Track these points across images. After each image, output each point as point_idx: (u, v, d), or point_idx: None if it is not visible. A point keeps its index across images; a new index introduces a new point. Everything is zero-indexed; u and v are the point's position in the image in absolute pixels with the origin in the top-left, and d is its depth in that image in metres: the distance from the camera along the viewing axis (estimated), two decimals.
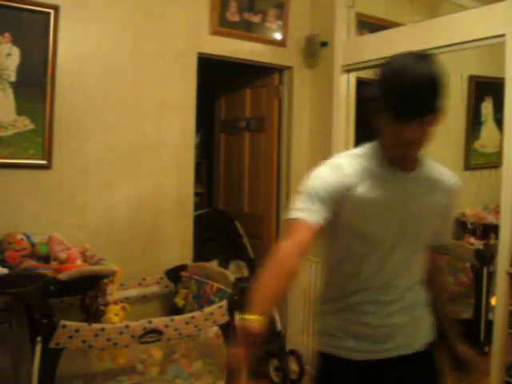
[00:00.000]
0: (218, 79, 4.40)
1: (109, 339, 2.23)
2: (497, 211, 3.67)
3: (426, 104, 1.32)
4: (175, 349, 2.94)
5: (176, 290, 3.11)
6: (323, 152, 3.69)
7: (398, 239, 1.49)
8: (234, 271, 3.55)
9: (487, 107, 4.83)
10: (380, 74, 1.38)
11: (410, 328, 1.56)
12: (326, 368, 1.59)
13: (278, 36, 3.67)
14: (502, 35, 2.62)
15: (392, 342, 1.52)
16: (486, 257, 3.77)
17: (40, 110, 2.75)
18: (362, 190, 1.45)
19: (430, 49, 3.01)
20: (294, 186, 3.82)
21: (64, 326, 2.14)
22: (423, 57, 1.38)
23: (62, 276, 2.24)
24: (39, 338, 2.12)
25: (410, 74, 1.30)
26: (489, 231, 4.15)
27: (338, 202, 1.44)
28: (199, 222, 3.48)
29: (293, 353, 3.39)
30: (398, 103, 1.31)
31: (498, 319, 2.63)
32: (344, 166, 1.48)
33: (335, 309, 1.58)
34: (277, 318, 3.31)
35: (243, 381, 1.30)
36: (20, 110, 2.70)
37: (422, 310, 1.64)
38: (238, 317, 1.96)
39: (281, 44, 3.69)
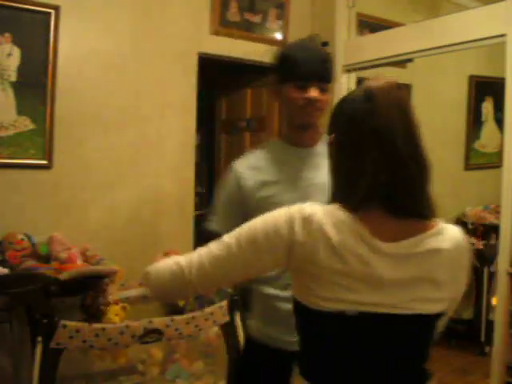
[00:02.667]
0: (218, 79, 4.40)
1: (109, 339, 2.23)
2: (497, 211, 3.67)
3: (322, 70, 1.52)
4: (175, 349, 2.94)
5: None
6: None
7: None
8: None
9: (487, 107, 4.83)
10: (279, 54, 1.62)
11: None
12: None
13: (278, 36, 3.67)
14: (503, 35, 2.62)
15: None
16: (487, 257, 3.78)
17: (40, 110, 2.75)
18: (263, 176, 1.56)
19: (431, 49, 3.02)
20: None
21: (64, 326, 2.14)
22: (312, 40, 1.71)
23: (63, 276, 2.24)
24: (40, 338, 2.12)
25: (307, 49, 1.56)
26: (489, 231, 4.15)
27: None
28: (200, 222, 3.48)
29: None
30: (298, 69, 1.51)
31: (499, 319, 2.64)
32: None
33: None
34: None
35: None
36: (20, 110, 2.70)
37: None
38: None
39: (281, 44, 3.68)
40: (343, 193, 1.05)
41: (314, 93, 1.50)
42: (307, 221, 0.99)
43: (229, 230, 1.10)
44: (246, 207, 1.54)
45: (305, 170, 1.56)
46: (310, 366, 1.07)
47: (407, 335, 1.03)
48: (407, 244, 1.00)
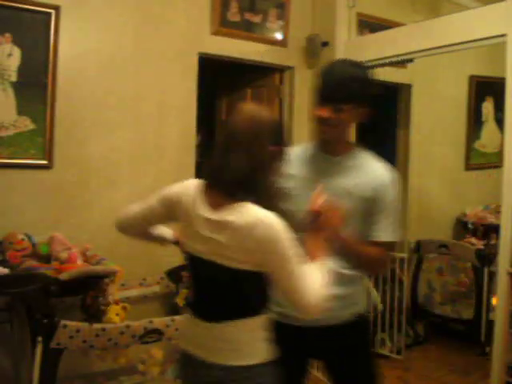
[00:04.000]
0: (218, 79, 4.40)
1: (109, 339, 2.24)
2: (497, 211, 3.67)
3: (336, 92, 1.63)
4: (176, 349, 2.94)
5: (177, 290, 3.11)
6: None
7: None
8: None
9: (488, 107, 4.83)
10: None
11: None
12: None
13: (278, 36, 3.68)
14: (503, 35, 2.62)
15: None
16: (487, 257, 3.78)
17: (41, 110, 2.75)
18: (290, 170, 1.72)
19: (431, 49, 3.02)
20: None
21: (65, 326, 2.15)
22: (353, 63, 1.72)
23: (63, 276, 2.24)
24: (40, 338, 2.13)
25: (333, 71, 1.70)
26: (489, 231, 4.16)
27: None
28: None
29: None
30: (318, 88, 1.68)
31: (499, 319, 2.64)
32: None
33: None
34: None
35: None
36: (21, 110, 2.70)
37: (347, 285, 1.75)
38: None
39: (281, 44, 3.69)
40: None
41: (321, 112, 1.65)
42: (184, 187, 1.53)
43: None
44: None
45: (325, 174, 1.71)
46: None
47: (218, 278, 1.42)
48: (217, 213, 1.39)
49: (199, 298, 1.52)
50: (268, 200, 1.39)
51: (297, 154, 1.77)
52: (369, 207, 1.68)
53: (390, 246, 1.74)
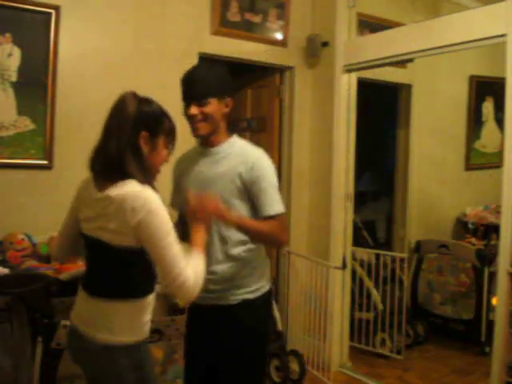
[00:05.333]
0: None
1: None
2: (498, 211, 3.67)
3: (196, 90, 1.87)
4: (176, 349, 2.94)
5: None
6: (324, 152, 3.69)
7: None
8: None
9: (488, 107, 4.83)
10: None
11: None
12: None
13: (278, 36, 3.67)
14: (503, 35, 2.62)
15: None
16: (487, 257, 3.78)
17: (41, 110, 2.75)
18: (179, 167, 2.10)
19: (431, 49, 3.02)
20: (295, 185, 3.82)
21: (65, 326, 2.14)
22: (208, 63, 2.05)
23: (63, 276, 2.24)
24: (40, 338, 2.13)
25: (191, 72, 1.96)
26: (490, 231, 4.16)
27: None
28: None
29: (293, 352, 3.39)
30: (182, 93, 1.92)
31: (499, 319, 2.64)
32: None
33: None
34: (278, 317, 3.31)
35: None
36: (21, 110, 2.70)
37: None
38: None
39: (282, 44, 3.69)
40: None
41: (191, 111, 1.88)
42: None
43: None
44: None
45: (204, 165, 1.94)
46: None
47: (102, 254, 1.56)
48: (101, 192, 1.53)
49: (88, 275, 1.65)
50: (143, 179, 1.51)
51: (187, 154, 2.08)
52: (248, 188, 1.83)
53: (281, 218, 1.86)
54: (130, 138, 1.55)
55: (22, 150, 2.72)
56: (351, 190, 3.63)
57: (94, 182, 1.58)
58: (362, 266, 3.87)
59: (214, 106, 1.86)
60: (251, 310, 1.92)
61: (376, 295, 3.78)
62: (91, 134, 2.93)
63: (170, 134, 1.69)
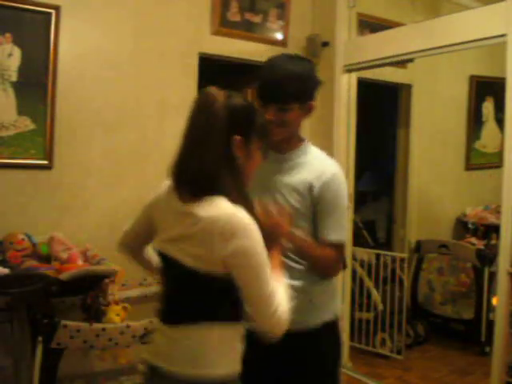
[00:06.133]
0: (218, 79, 4.40)
1: (110, 339, 2.24)
2: (498, 211, 3.68)
3: (277, 93, 1.59)
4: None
5: None
6: (324, 151, 3.68)
7: None
8: None
9: (488, 107, 4.83)
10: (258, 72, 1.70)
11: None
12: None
13: (279, 36, 3.67)
14: (503, 35, 2.62)
15: None
16: (487, 257, 3.78)
17: (41, 110, 2.75)
18: None
19: (431, 49, 3.02)
20: None
21: (65, 326, 2.15)
22: (292, 57, 1.68)
23: (63, 276, 2.24)
24: (40, 338, 2.13)
25: (272, 70, 1.64)
26: (490, 231, 4.16)
27: None
28: None
29: None
30: (259, 91, 1.65)
31: (499, 319, 2.64)
32: None
33: None
34: None
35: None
36: (21, 110, 2.70)
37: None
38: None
39: (282, 44, 3.69)
40: None
41: (270, 116, 1.60)
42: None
43: None
44: None
45: (273, 172, 1.69)
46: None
47: (183, 278, 1.32)
48: (186, 206, 1.30)
49: (167, 300, 1.40)
50: (237, 197, 1.28)
51: None
52: (315, 204, 1.63)
53: (341, 248, 1.68)
54: (224, 147, 1.29)
55: (22, 150, 2.72)
56: (351, 189, 3.63)
57: (176, 191, 1.34)
58: (362, 266, 3.87)
59: (295, 113, 1.63)
60: (331, 332, 1.72)
61: (376, 295, 3.78)
62: (91, 133, 2.96)
63: (263, 131, 1.40)
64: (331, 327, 1.72)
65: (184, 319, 1.31)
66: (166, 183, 1.43)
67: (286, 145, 1.70)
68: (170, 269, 1.36)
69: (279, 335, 1.27)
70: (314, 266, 1.65)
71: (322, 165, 1.69)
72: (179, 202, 1.31)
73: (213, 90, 1.33)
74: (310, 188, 1.63)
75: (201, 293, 1.30)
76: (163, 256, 1.37)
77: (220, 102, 1.30)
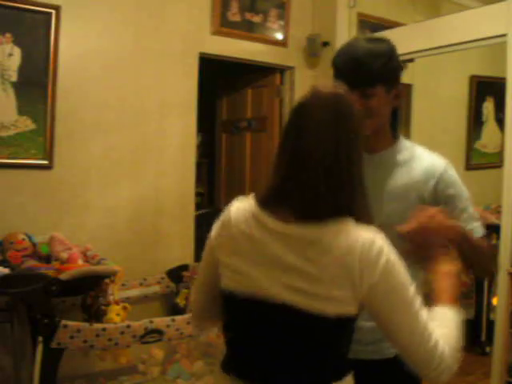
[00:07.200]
0: (219, 79, 4.40)
1: (110, 339, 2.24)
2: (498, 211, 3.67)
3: (359, 74, 1.33)
4: (176, 349, 2.94)
5: (177, 290, 3.11)
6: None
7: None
8: None
9: (488, 107, 4.82)
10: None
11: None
12: None
13: (279, 36, 3.67)
14: (504, 35, 2.62)
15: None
16: None
17: (41, 110, 2.75)
18: None
19: (431, 49, 3.02)
20: None
21: (65, 326, 2.15)
22: (371, 38, 1.43)
23: (64, 276, 2.24)
24: (40, 338, 2.13)
25: (349, 50, 1.39)
26: (490, 231, 4.15)
27: None
28: (200, 222, 3.49)
29: None
30: (337, 75, 1.40)
31: (500, 319, 2.64)
32: None
33: None
34: None
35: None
36: (21, 110, 2.70)
37: None
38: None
39: (282, 44, 3.69)
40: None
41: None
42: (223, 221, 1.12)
43: None
44: None
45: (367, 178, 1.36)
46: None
47: (288, 327, 1.02)
48: (295, 227, 1.02)
49: (247, 355, 1.08)
50: (369, 218, 1.04)
51: None
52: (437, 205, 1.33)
53: (485, 240, 1.42)
54: (356, 161, 1.05)
55: (22, 150, 2.72)
56: None
57: (266, 210, 1.05)
58: None
59: (381, 98, 1.36)
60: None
61: None
62: (91, 133, 2.96)
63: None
64: None
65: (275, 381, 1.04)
66: (235, 209, 1.11)
67: (376, 141, 1.43)
68: (262, 314, 1.04)
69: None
70: (480, 261, 1.37)
71: (428, 161, 1.47)
72: (276, 221, 1.03)
73: (343, 90, 1.12)
74: (419, 189, 1.40)
75: (305, 343, 1.02)
76: (249, 299, 1.04)
77: (351, 105, 1.09)
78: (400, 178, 1.41)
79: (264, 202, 1.06)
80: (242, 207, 1.10)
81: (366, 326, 1.31)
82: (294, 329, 1.01)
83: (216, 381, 1.14)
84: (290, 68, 3.80)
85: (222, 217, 1.13)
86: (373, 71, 1.33)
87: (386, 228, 1.07)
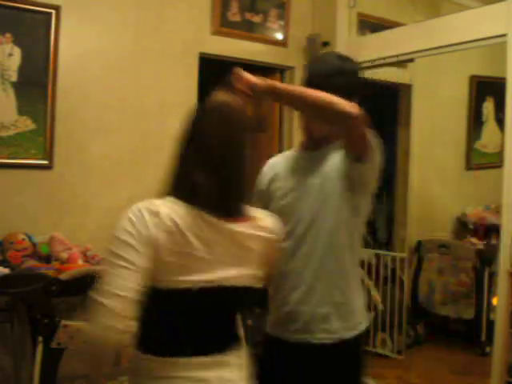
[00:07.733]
0: (218, 79, 4.40)
1: None
2: (498, 211, 3.67)
3: (322, 87, 1.47)
4: None
5: None
6: None
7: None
8: None
9: (488, 107, 4.83)
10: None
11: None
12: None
13: (279, 36, 3.67)
14: (504, 35, 2.62)
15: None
16: (487, 257, 3.77)
17: (41, 110, 2.75)
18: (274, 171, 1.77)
19: (431, 49, 3.02)
20: None
21: (65, 326, 2.15)
22: (340, 56, 1.65)
23: (64, 276, 2.24)
24: (40, 338, 2.13)
25: (319, 65, 1.66)
26: (490, 231, 4.16)
27: None
28: None
29: None
30: (304, 83, 1.62)
31: (500, 319, 2.64)
32: None
33: None
34: None
35: None
36: (21, 110, 2.70)
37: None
38: None
39: (282, 44, 3.69)
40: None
41: None
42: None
43: None
44: None
45: (303, 171, 1.66)
46: (153, 340, 1.21)
47: (231, 303, 1.21)
48: (238, 225, 1.19)
49: (192, 333, 1.19)
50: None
51: (284, 156, 1.80)
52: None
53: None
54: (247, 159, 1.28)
55: (22, 150, 2.72)
56: None
57: (209, 213, 1.16)
58: (362, 266, 3.86)
59: None
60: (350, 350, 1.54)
61: (376, 295, 3.78)
62: (91, 133, 2.95)
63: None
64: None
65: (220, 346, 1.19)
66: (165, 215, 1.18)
67: (319, 142, 1.66)
68: (219, 298, 1.17)
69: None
70: (320, 107, 1.47)
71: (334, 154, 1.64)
72: (220, 220, 1.15)
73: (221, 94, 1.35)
74: (334, 177, 1.60)
75: (231, 316, 1.25)
76: (200, 289, 1.13)
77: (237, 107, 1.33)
78: (319, 171, 1.63)
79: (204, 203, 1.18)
80: (179, 210, 1.19)
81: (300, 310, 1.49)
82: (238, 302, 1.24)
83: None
84: (290, 68, 3.80)
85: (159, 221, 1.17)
86: (334, 86, 1.50)
87: None
